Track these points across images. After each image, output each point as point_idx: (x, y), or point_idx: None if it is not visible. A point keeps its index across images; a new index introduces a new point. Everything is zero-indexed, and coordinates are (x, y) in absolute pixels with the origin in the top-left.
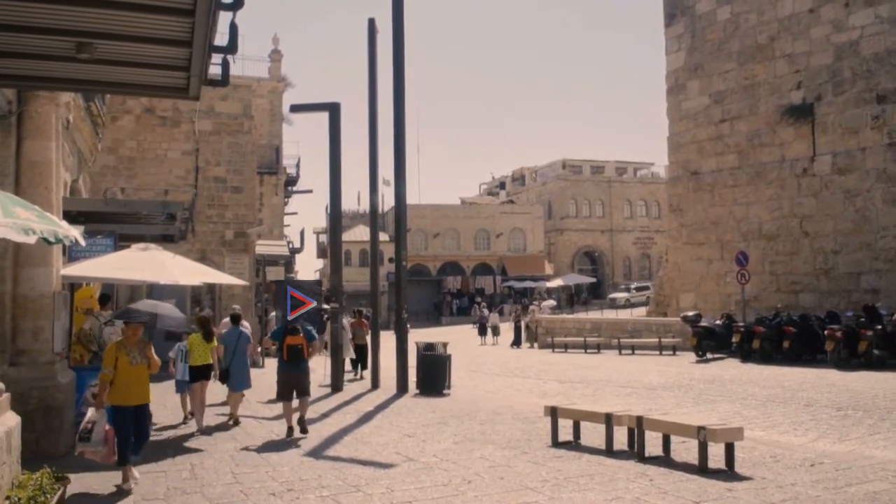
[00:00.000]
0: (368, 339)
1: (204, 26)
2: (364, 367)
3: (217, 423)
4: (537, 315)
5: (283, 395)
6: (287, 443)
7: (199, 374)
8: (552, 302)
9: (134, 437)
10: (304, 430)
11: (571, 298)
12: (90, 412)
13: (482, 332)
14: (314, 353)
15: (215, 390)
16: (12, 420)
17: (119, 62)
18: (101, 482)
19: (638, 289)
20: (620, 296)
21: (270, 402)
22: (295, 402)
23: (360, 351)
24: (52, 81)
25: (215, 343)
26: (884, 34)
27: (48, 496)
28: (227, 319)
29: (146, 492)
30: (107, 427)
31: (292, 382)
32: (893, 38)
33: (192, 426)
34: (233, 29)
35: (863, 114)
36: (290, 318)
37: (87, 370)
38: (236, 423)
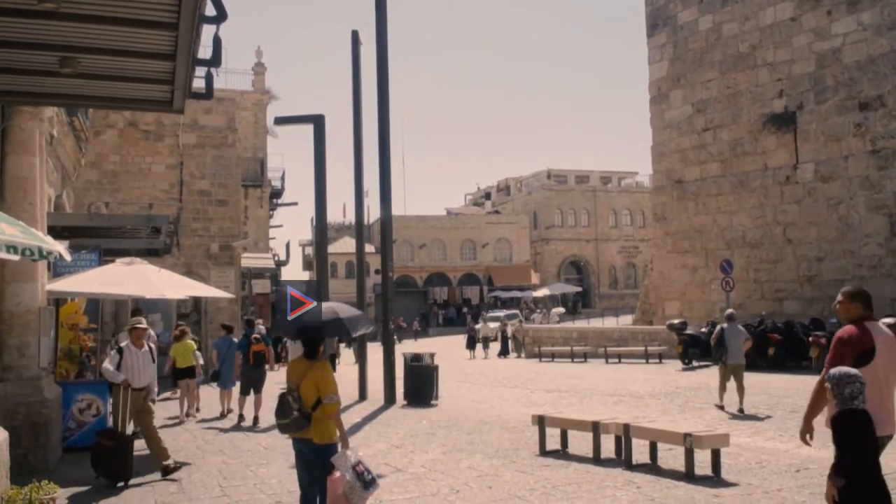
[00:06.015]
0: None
1: (187, 40)
2: None
3: (213, 416)
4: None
5: (244, 390)
6: (275, 456)
7: (184, 374)
8: (561, 309)
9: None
10: (256, 423)
11: (575, 305)
12: (350, 454)
13: (471, 345)
14: (271, 358)
15: (210, 390)
16: (0, 435)
17: (103, 76)
18: (89, 497)
19: (508, 316)
20: (492, 327)
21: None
22: (250, 400)
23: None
24: (36, 96)
25: (194, 346)
26: (866, 41)
27: None
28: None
29: None
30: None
31: (251, 381)
32: (876, 46)
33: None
34: (216, 42)
35: (845, 122)
36: (289, 318)
37: (73, 385)
38: (228, 412)
